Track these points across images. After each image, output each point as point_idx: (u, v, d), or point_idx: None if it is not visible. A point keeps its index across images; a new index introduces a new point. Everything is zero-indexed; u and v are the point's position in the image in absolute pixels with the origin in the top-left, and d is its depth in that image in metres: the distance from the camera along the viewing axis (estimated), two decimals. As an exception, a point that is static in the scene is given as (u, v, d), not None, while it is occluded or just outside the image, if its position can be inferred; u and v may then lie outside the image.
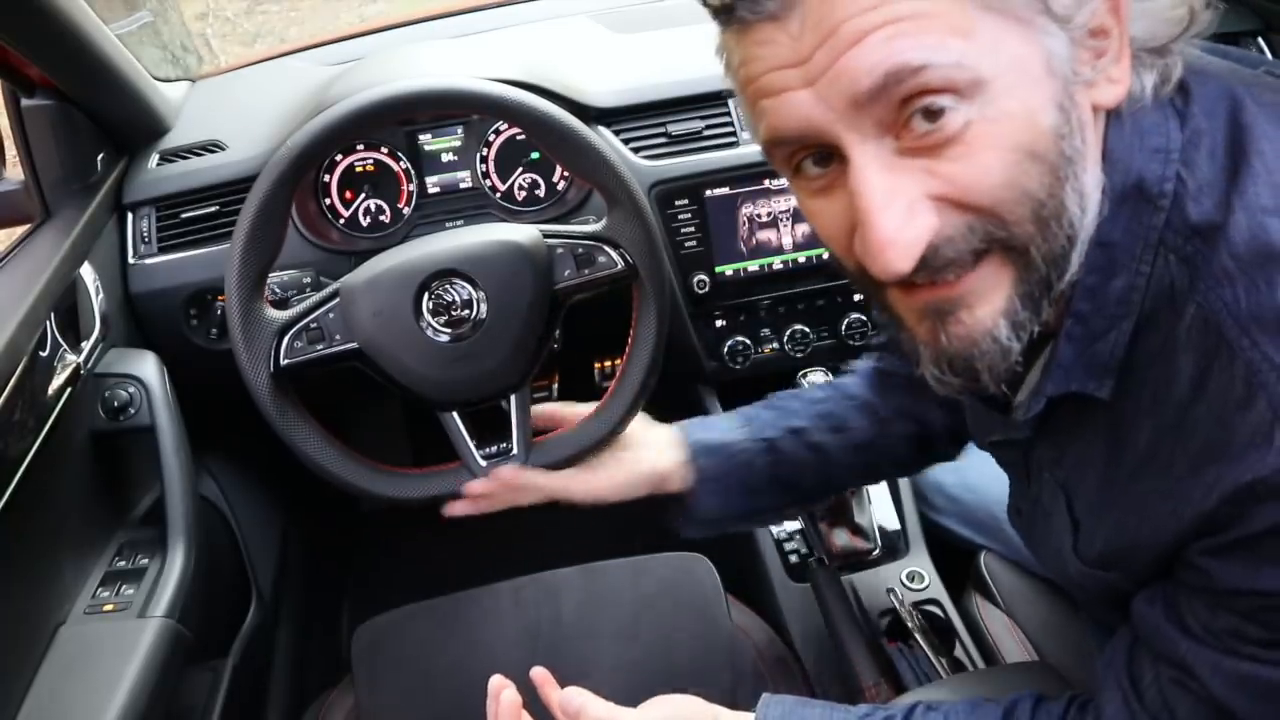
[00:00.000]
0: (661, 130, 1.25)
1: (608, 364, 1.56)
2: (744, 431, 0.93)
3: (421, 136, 1.24)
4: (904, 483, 1.21)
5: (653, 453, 0.92)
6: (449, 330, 0.94)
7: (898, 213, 0.49)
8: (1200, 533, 0.52)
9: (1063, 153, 0.50)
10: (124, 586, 0.98)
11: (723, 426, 0.94)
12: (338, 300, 0.95)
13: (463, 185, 1.25)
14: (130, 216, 1.18)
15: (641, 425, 0.93)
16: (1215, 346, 0.50)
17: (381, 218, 1.23)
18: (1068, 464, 0.63)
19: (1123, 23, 0.51)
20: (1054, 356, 0.58)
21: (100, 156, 1.17)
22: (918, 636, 1.03)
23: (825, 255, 1.17)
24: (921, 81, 0.47)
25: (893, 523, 1.19)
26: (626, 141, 1.24)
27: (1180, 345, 0.52)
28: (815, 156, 0.53)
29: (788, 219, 1.24)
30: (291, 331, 0.93)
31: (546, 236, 0.98)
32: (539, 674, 0.83)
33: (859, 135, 0.49)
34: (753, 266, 1.25)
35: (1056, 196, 0.50)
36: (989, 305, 0.53)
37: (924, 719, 0.71)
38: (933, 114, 0.48)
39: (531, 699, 1.04)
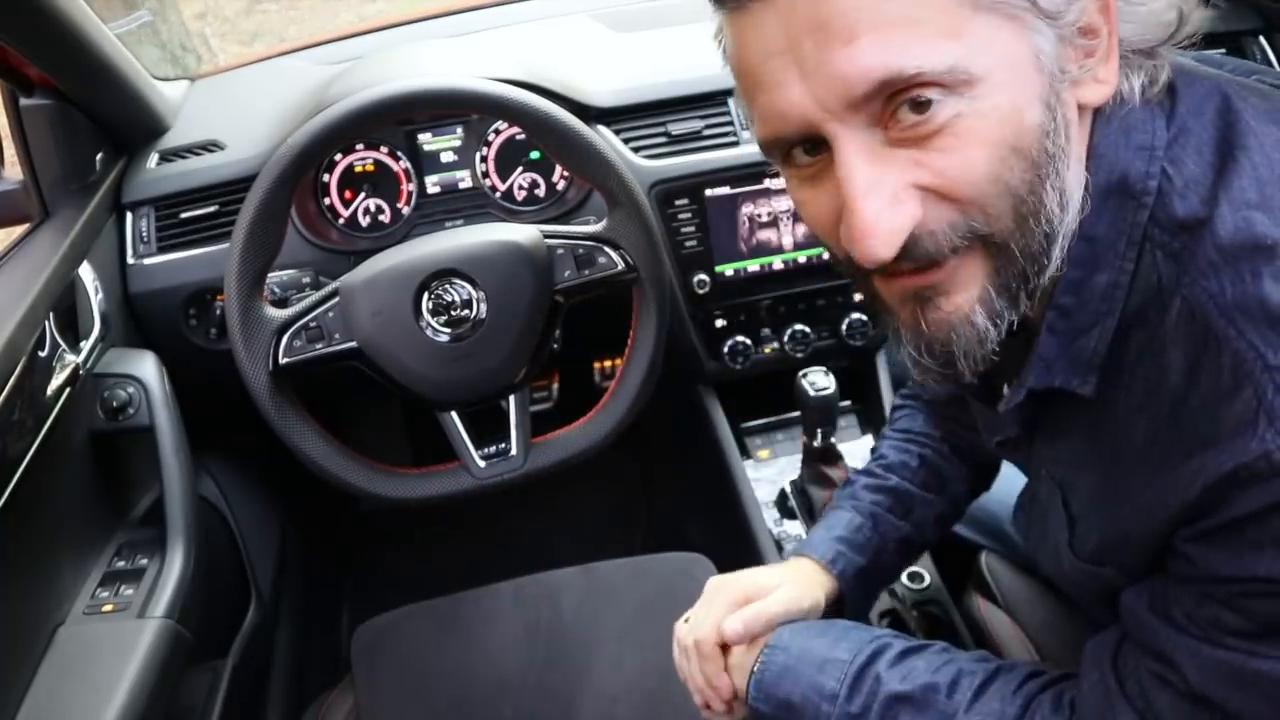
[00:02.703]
0: (661, 130, 1.24)
1: (608, 364, 1.56)
2: (877, 540, 0.87)
3: (421, 136, 1.24)
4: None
5: (816, 603, 0.83)
6: (448, 330, 0.94)
7: (881, 201, 0.50)
8: (1185, 520, 0.53)
9: (1045, 150, 0.51)
10: (123, 587, 0.98)
11: (859, 540, 0.86)
12: (337, 299, 0.94)
13: (462, 185, 1.25)
14: (129, 216, 1.18)
15: (808, 588, 0.83)
16: (1203, 338, 0.51)
17: (381, 217, 1.23)
18: (1062, 461, 0.64)
19: (1112, 23, 0.52)
20: (1035, 349, 0.58)
21: (99, 156, 1.16)
22: (918, 636, 1.03)
23: (825, 255, 1.16)
24: (914, 82, 0.48)
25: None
26: (626, 141, 1.24)
27: (1169, 339, 0.53)
28: (806, 145, 0.54)
29: (788, 219, 1.23)
30: (291, 330, 0.93)
31: (547, 237, 0.98)
32: None
33: (849, 129, 0.50)
34: (753, 266, 1.25)
35: (1036, 193, 0.51)
36: (966, 293, 0.54)
37: (895, 665, 0.72)
38: (921, 105, 0.49)
39: (532, 702, 1.04)
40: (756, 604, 0.79)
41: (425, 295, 0.94)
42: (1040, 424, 0.65)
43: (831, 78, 0.49)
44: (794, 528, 1.21)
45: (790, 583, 0.82)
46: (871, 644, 0.74)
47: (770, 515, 1.23)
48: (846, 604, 0.86)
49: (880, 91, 0.48)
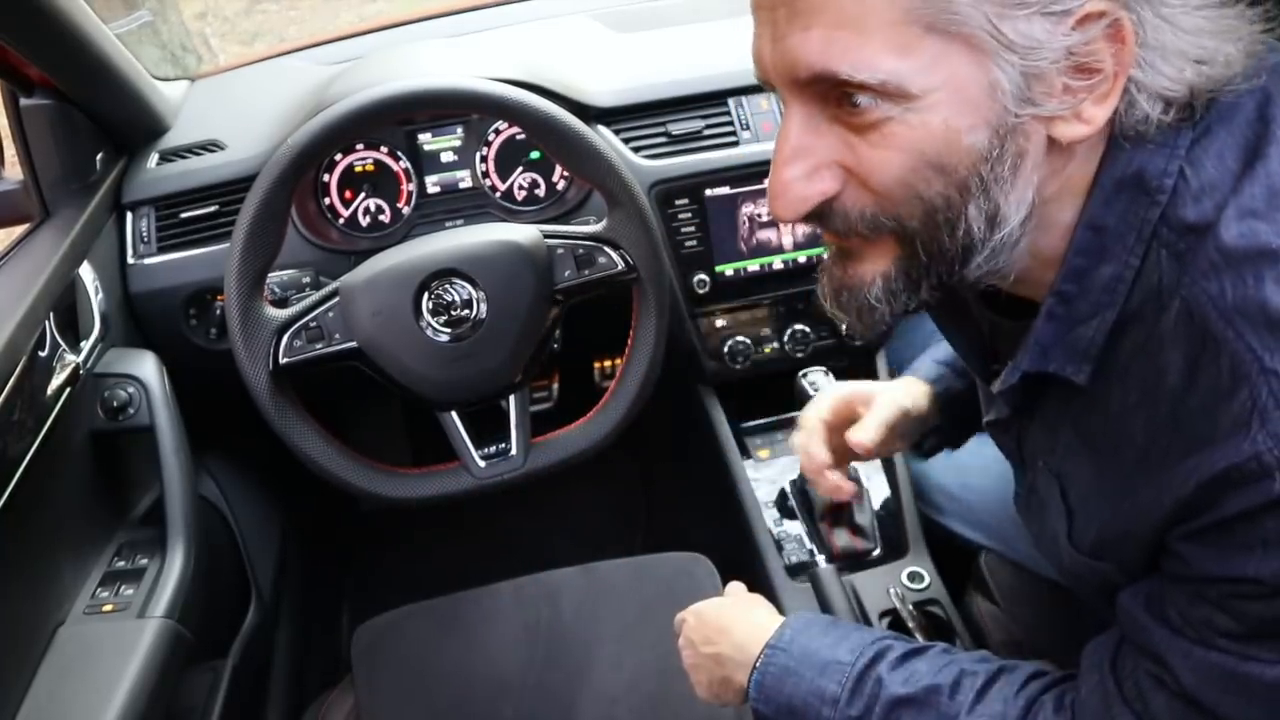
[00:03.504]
0: (661, 130, 1.24)
1: (608, 364, 1.56)
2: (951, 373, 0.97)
3: (421, 136, 1.24)
4: (904, 482, 1.21)
5: (919, 406, 0.96)
6: (449, 330, 0.94)
7: (798, 170, 0.55)
8: (1179, 518, 0.53)
9: (979, 174, 0.52)
10: (123, 587, 0.98)
11: (959, 366, 0.96)
12: (337, 299, 0.94)
13: (462, 185, 1.25)
14: (129, 216, 1.18)
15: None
16: (1202, 339, 0.51)
17: (381, 217, 1.23)
18: (1060, 453, 0.64)
19: (1123, 65, 0.50)
20: (1033, 332, 0.59)
21: (99, 156, 1.16)
22: (918, 636, 1.03)
23: (826, 255, 1.17)
24: (848, 84, 0.51)
25: (893, 522, 1.19)
26: (626, 141, 1.24)
27: (1167, 340, 0.53)
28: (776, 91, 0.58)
29: (788, 218, 1.23)
30: (291, 330, 0.93)
31: (547, 237, 0.98)
32: None
33: (797, 99, 0.55)
34: (753, 266, 1.25)
35: (956, 209, 0.53)
36: (873, 265, 0.58)
37: (897, 668, 0.73)
38: (854, 102, 0.52)
39: (532, 702, 1.04)
40: (868, 416, 0.93)
41: (425, 295, 0.94)
42: (1037, 413, 0.65)
43: (785, 55, 0.52)
44: (794, 528, 1.21)
45: (895, 388, 0.95)
46: (873, 646, 0.74)
47: (770, 515, 1.23)
48: (942, 432, 0.96)
49: (819, 81, 0.52)
